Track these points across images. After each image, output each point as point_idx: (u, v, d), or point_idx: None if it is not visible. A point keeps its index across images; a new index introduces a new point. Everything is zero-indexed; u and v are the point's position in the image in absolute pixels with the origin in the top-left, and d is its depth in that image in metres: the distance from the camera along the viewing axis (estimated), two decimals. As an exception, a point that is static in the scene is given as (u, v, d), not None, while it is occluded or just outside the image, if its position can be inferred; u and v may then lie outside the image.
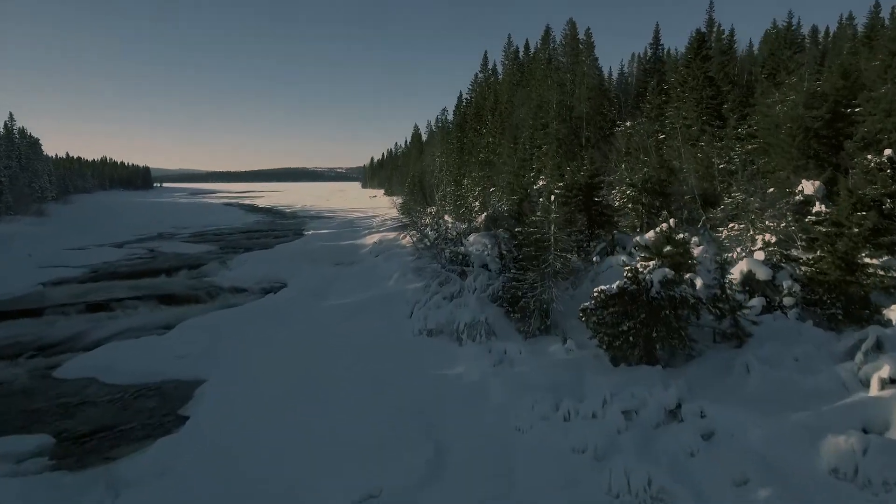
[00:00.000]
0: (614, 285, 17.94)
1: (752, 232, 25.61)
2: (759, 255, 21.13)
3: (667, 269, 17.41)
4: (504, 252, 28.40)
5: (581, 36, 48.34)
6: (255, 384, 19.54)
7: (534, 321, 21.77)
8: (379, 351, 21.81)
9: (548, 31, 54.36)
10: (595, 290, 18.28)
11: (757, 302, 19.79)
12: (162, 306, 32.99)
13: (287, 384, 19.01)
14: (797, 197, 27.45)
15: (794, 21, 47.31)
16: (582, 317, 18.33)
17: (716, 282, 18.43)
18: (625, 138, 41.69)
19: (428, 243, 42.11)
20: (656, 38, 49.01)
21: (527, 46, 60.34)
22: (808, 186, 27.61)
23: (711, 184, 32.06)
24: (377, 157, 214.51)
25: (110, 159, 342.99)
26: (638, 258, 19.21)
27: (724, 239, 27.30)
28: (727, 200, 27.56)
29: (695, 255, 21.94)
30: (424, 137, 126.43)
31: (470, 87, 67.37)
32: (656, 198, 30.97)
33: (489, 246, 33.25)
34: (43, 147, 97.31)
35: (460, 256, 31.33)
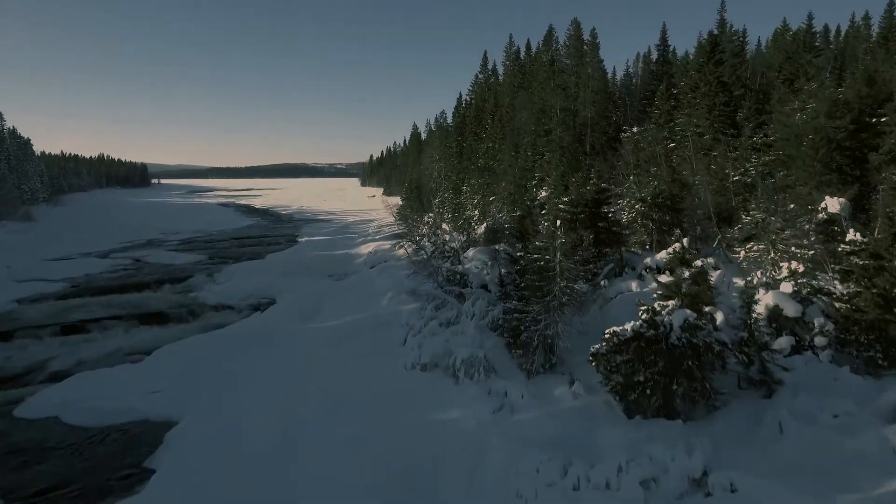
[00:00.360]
0: (628, 327, 16.01)
1: (772, 254, 23.62)
2: (787, 287, 19.15)
3: (688, 312, 15.47)
4: (504, 276, 26.47)
5: (586, 37, 46.20)
6: (228, 432, 17.66)
7: (537, 358, 19.86)
8: (367, 393, 19.92)
9: (550, 31, 52.23)
10: (607, 331, 16.35)
11: (785, 342, 17.87)
12: (142, 327, 31.09)
13: (263, 434, 17.13)
14: (820, 215, 25.42)
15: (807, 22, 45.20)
16: (592, 361, 16.41)
17: (741, 321, 16.52)
18: (632, 146, 39.71)
19: (425, 256, 40.24)
20: (663, 40, 46.92)
21: (528, 46, 58.20)
22: (832, 204, 25.57)
23: (726, 197, 30.08)
24: (377, 153, 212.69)
25: (108, 156, 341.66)
26: (655, 295, 17.26)
27: (741, 260, 25.38)
28: (745, 219, 25.56)
29: (712, 279, 20.03)
30: (424, 136, 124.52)
31: (470, 88, 65.28)
32: (667, 213, 29.03)
33: (489, 264, 31.32)
34: (35, 146, 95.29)
35: (458, 276, 29.38)
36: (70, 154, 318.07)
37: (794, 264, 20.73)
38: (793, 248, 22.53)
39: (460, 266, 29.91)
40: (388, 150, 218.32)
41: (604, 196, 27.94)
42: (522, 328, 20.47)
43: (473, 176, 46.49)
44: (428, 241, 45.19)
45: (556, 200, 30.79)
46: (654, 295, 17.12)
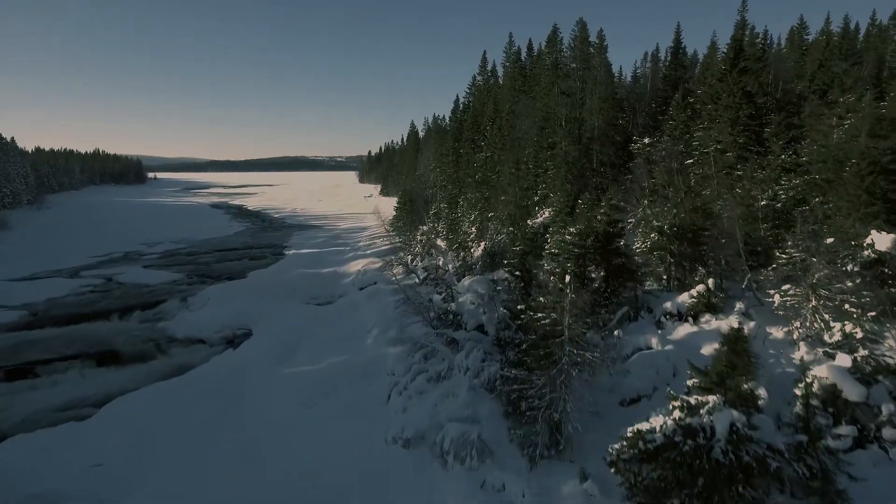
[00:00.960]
0: (657, 425, 12.71)
1: (813, 301, 20.26)
2: (845, 360, 15.81)
3: (734, 413, 12.15)
4: (502, 319, 23.19)
5: (593, 38, 42.59)
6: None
7: (541, 439, 16.59)
8: (341, 472, 16.88)
9: (555, 31, 48.51)
10: (629, 430, 13.05)
11: (847, 431, 14.63)
12: (99, 369, 27.86)
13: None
14: (866, 252, 22.00)
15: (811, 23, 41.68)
16: (611, 467, 13.15)
17: (798, 418, 13.25)
18: (645, 162, 36.30)
19: (417, 280, 36.97)
20: (677, 42, 43.31)
21: (530, 47, 54.51)
22: (881, 240, 22.11)
23: (754, 226, 26.70)
24: (377, 147, 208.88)
25: (103, 152, 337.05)
26: (688, 385, 13.93)
27: (775, 307, 22.09)
28: (780, 258, 22.19)
29: (746, 331, 16.75)
30: (422, 133, 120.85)
31: (467, 90, 61.56)
32: (688, 246, 25.70)
33: (485, 298, 28.02)
34: (29, 143, 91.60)
35: (451, 316, 26.09)
36: (64, 150, 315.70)
37: (848, 326, 17.34)
38: (838, 298, 19.15)
39: (453, 304, 26.58)
40: (387, 146, 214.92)
41: (617, 228, 24.56)
42: (523, 399, 17.22)
43: (470, 189, 43.07)
44: (420, 261, 41.96)
45: (561, 230, 27.42)
46: (687, 386, 13.77)
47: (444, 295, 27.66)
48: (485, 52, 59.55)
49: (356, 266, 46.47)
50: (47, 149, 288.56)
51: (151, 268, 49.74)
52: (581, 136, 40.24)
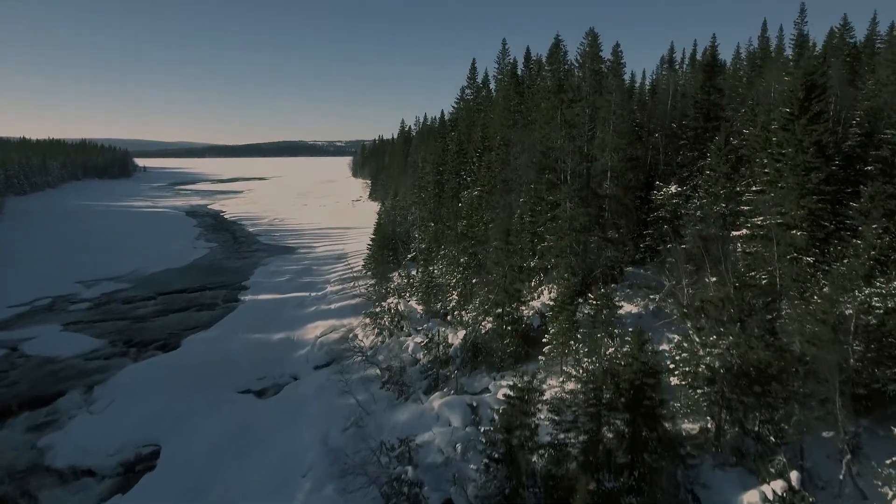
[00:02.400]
0: None
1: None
2: None
3: None
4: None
5: (606, 54, 33.88)
6: None
7: None
8: None
9: (557, 44, 39.72)
10: None
11: None
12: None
13: None
14: None
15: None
16: None
17: None
18: (674, 237, 28.02)
19: (383, 375, 28.85)
20: (713, 57, 34.44)
21: (527, 57, 45.67)
22: None
23: (838, 346, 18.52)
24: (376, 133, 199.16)
25: (90, 141, 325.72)
26: None
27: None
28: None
29: None
30: (415, 130, 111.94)
31: (454, 105, 52.72)
32: (749, 393, 17.64)
33: (457, 449, 20.02)
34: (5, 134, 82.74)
35: (406, 487, 18.15)
36: (50, 139, 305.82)
37: None
38: None
39: (410, 468, 18.53)
40: (381, 139, 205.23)
41: (652, 380, 16.35)
42: None
43: (451, 242, 34.79)
44: (387, 337, 33.83)
45: (571, 369, 19.26)
46: None
47: (398, 451, 19.59)
48: (474, 61, 50.73)
49: (315, 331, 38.38)
50: (34, 139, 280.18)
51: (74, 326, 41.64)
52: (590, 179, 31.84)
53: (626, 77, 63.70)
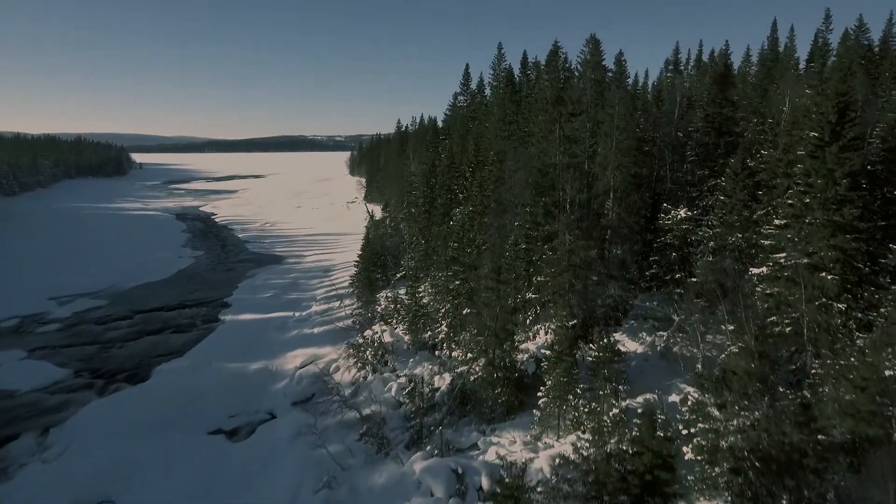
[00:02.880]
0: None
1: None
2: None
3: None
4: None
5: (609, 63, 31.01)
6: None
7: None
8: None
9: (556, 51, 36.84)
10: None
11: None
12: None
13: None
14: None
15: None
16: None
17: None
18: (682, 266, 25.33)
19: (361, 426, 26.16)
20: (725, 69, 31.61)
21: (524, 63, 42.75)
22: None
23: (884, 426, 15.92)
24: (375, 130, 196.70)
25: (90, 136, 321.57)
26: None
27: None
28: None
29: None
30: (411, 128, 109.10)
31: (447, 112, 49.82)
32: (777, 484, 15.03)
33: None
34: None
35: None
36: (44, 136, 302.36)
37: None
38: None
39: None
40: (379, 137, 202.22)
41: (667, 475, 13.68)
42: None
43: (440, 267, 32.09)
44: (370, 373, 31.17)
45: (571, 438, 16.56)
46: None
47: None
48: (467, 66, 47.72)
49: (294, 360, 35.74)
50: (30, 135, 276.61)
51: (39, 352, 38.97)
52: (590, 209, 29.12)
53: (629, 79, 60.86)
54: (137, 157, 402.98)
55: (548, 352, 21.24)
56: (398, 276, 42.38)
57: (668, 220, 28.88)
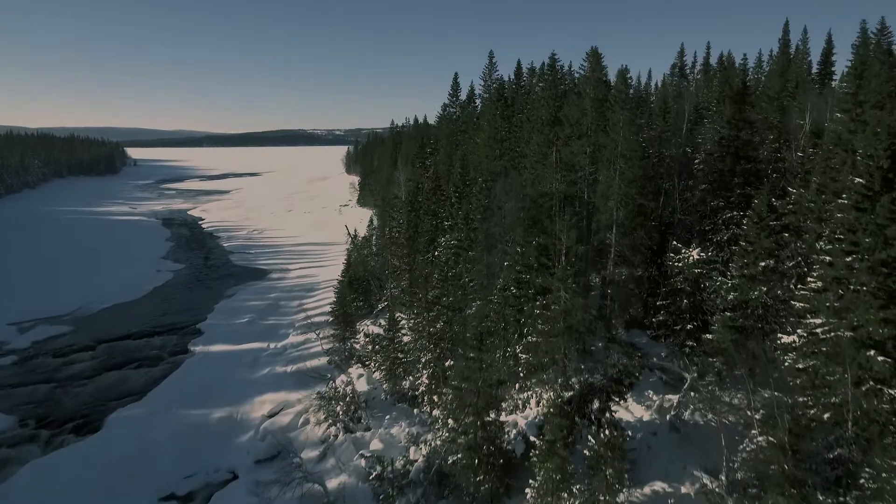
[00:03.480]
0: None
1: None
2: None
3: None
4: None
5: (612, 77, 27.37)
6: None
7: None
8: None
9: (553, 62, 33.25)
10: None
11: None
12: None
13: None
14: None
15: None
16: None
17: None
18: (693, 311, 21.81)
19: (325, 497, 22.85)
20: (744, 87, 28.00)
21: (518, 72, 39.07)
22: None
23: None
24: (375, 124, 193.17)
25: (89, 130, 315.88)
26: None
27: None
28: None
29: None
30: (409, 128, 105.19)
31: (436, 122, 46.08)
32: None
33: None
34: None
35: None
36: (38, 132, 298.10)
37: None
38: None
39: None
40: (374, 133, 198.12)
41: None
42: None
43: (420, 309, 28.62)
44: (341, 432, 27.74)
45: None
46: None
47: None
48: (456, 75, 43.92)
49: (262, 407, 32.33)
50: (23, 131, 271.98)
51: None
52: (590, 235, 25.60)
53: (632, 84, 56.92)
54: (134, 153, 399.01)
55: (537, 440, 17.82)
56: (381, 304, 38.97)
57: (679, 261, 25.42)
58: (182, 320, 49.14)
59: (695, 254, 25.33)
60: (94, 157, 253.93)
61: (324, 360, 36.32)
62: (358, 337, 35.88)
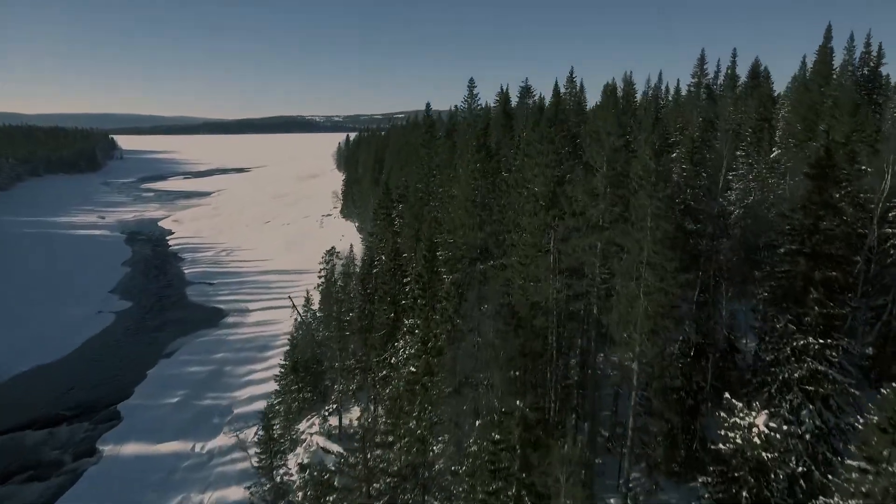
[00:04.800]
0: None
1: None
2: None
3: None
4: None
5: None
6: None
7: None
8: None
9: (556, 93, 24.89)
10: None
11: None
12: None
13: None
14: None
15: None
16: None
17: None
18: None
19: None
20: (828, 155, 19.29)
21: (505, 101, 30.18)
22: None
23: None
24: (373, 111, 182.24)
25: (89, 116, 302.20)
26: None
27: None
28: None
29: None
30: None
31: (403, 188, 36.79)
32: None
33: None
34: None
35: None
36: (24, 126, 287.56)
37: None
38: None
39: None
40: (367, 130, 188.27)
41: None
42: None
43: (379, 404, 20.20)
44: None
45: None
46: None
47: None
48: (428, 106, 35.03)
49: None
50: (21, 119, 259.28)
51: None
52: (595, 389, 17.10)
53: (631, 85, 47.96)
54: (129, 142, 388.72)
55: None
56: (331, 406, 30.43)
57: (734, 427, 17.02)
58: (102, 397, 40.75)
59: (760, 420, 16.92)
60: (76, 152, 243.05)
61: (248, 491, 27.79)
62: (290, 466, 27.26)
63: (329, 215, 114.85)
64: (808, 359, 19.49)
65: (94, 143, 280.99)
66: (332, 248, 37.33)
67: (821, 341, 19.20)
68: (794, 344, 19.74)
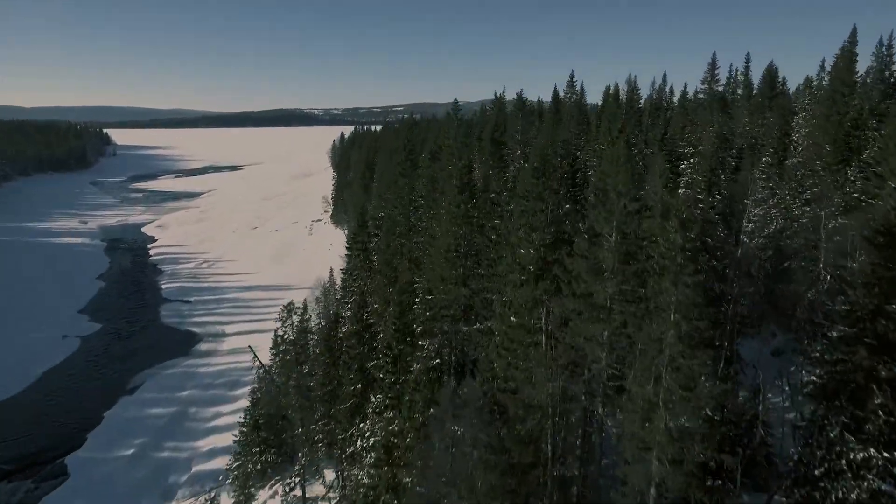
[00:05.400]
0: None
1: None
2: None
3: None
4: None
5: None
6: None
7: None
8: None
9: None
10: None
11: None
12: None
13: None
14: None
15: None
16: None
17: None
18: None
19: None
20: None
21: (497, 127, 25.81)
22: None
23: None
24: (372, 104, 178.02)
25: (88, 109, 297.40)
26: None
27: None
28: None
29: None
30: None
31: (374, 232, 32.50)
32: None
33: None
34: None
35: None
36: (15, 122, 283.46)
37: None
38: None
39: None
40: (364, 129, 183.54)
41: None
42: None
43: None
44: None
45: None
46: None
47: None
48: (413, 120, 28.81)
49: None
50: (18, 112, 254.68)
51: None
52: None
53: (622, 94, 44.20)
54: (125, 137, 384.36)
55: None
56: (291, 481, 26.61)
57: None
58: (50, 447, 36.80)
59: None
60: (67, 150, 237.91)
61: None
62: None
63: (319, 220, 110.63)
64: (870, 476, 15.59)
65: (85, 142, 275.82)
66: (291, 302, 33.49)
67: (885, 455, 15.29)
68: (851, 456, 15.80)
